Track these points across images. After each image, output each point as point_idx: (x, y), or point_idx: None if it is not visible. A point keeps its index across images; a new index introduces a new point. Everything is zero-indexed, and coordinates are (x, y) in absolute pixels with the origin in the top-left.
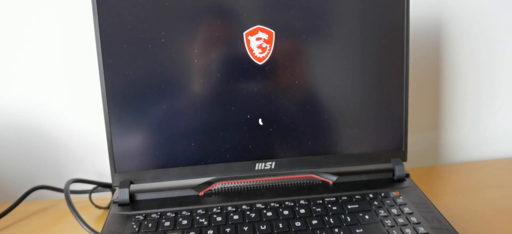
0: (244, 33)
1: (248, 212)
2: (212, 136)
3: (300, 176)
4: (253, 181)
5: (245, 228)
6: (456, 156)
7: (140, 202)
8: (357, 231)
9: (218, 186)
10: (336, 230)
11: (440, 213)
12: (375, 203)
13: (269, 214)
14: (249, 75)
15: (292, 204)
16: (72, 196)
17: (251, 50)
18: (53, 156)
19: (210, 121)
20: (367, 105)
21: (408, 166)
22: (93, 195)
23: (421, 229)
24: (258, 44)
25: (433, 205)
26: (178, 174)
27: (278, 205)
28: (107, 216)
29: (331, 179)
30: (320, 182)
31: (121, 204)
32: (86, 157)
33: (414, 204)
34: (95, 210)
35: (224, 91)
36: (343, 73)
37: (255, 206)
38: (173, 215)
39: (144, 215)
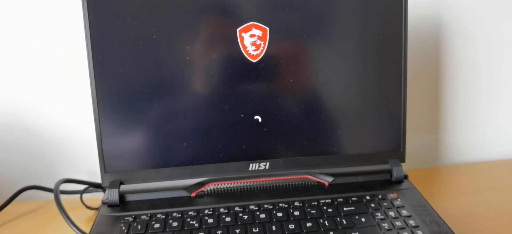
0: (238, 30)
1: (240, 214)
2: (205, 135)
3: (295, 177)
4: (247, 182)
5: (237, 231)
6: (456, 157)
7: (130, 203)
8: None
9: (210, 186)
10: (331, 233)
11: (439, 215)
12: (372, 205)
13: (262, 216)
14: (242, 73)
15: (286, 205)
16: (64, 197)
17: (244, 47)
18: (47, 155)
19: (203, 120)
20: (364, 104)
21: (406, 167)
22: (87, 196)
23: (419, 233)
24: (252, 41)
25: (432, 208)
26: (169, 175)
27: (271, 206)
28: (96, 217)
29: (327, 180)
30: (316, 183)
31: (111, 205)
32: (79, 156)
33: (412, 207)
34: (86, 211)
35: (217, 90)
36: (340, 71)
37: (248, 208)
38: (164, 216)
39: (133, 216)
